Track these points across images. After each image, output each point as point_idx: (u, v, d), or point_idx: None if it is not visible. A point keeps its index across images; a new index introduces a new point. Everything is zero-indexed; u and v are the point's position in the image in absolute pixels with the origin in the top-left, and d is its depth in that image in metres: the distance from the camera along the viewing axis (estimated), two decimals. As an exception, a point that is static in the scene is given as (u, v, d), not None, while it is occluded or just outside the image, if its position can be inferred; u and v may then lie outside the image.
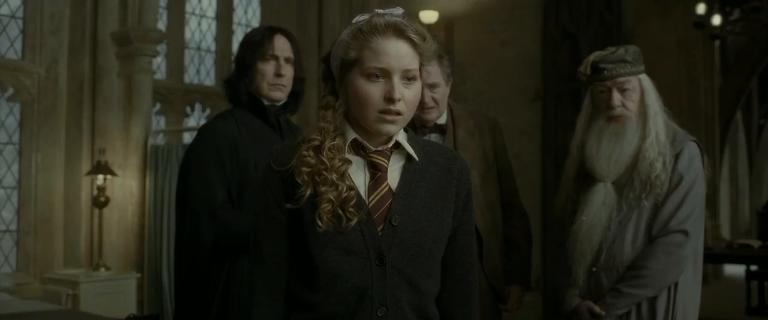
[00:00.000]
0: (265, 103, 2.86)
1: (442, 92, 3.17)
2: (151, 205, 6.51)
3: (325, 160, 1.65)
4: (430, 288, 1.75)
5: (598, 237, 2.81)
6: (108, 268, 6.26)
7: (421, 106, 2.99)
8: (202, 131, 2.89)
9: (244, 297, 1.78)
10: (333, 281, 1.67)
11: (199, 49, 8.37)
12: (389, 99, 1.64)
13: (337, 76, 1.73)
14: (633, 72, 2.82)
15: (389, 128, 1.67)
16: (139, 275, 6.42)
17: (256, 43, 2.84)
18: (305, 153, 1.67)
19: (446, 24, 8.16)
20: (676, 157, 2.78)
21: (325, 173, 1.64)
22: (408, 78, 1.66)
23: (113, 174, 6.30)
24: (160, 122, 7.75)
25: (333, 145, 1.67)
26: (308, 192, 1.65)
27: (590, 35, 6.98)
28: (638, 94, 2.83)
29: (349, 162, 1.69)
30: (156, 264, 6.41)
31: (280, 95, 2.87)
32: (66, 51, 6.68)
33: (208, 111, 8.16)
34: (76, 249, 6.52)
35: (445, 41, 8.00)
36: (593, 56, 2.85)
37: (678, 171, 2.77)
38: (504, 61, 7.94)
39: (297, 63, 2.91)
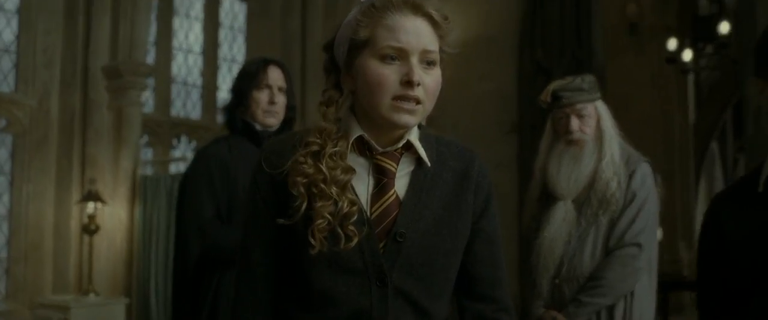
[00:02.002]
0: (259, 128, 3.04)
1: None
2: (140, 233, 6.70)
3: (325, 170, 1.43)
4: (439, 311, 1.54)
5: (559, 251, 3.01)
6: (97, 294, 6.42)
7: None
8: (197, 154, 3.11)
9: (230, 308, 1.61)
10: (327, 303, 1.47)
11: (185, 83, 8.60)
12: (407, 82, 1.42)
13: (344, 62, 1.50)
14: (589, 99, 3.03)
15: (406, 119, 1.44)
16: (127, 300, 6.59)
17: (252, 74, 3.04)
18: (302, 159, 1.45)
19: (426, 60, 8.40)
20: (630, 176, 2.98)
21: (323, 185, 1.42)
22: (427, 62, 1.46)
23: (103, 202, 6.49)
24: (147, 154, 7.95)
25: (334, 151, 1.45)
26: (303, 205, 1.43)
27: (563, 70, 7.25)
28: (595, 120, 3.04)
29: (353, 171, 1.46)
30: (144, 290, 6.59)
31: (274, 121, 3.05)
32: (58, 84, 6.88)
33: (194, 143, 8.36)
34: (65, 276, 6.67)
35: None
36: (553, 85, 3.07)
37: (632, 189, 2.97)
38: (482, 95, 8.21)
39: (289, 92, 3.11)
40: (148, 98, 7.92)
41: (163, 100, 8.23)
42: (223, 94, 8.69)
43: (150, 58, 7.80)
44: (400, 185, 1.50)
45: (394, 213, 1.47)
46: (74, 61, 6.85)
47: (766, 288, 1.71)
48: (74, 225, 6.68)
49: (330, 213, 1.42)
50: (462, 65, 8.37)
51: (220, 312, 2.85)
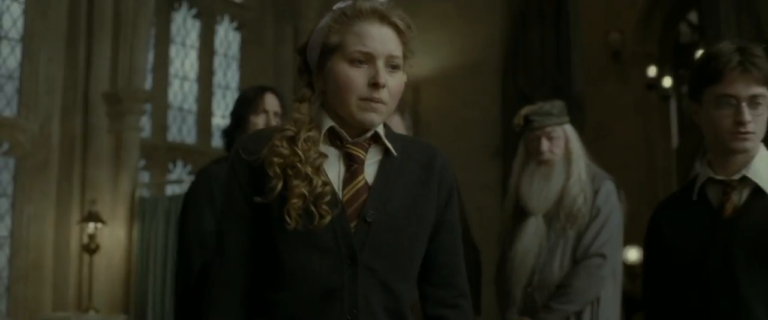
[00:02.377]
0: None
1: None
2: (138, 252, 6.98)
3: (300, 152, 1.53)
4: (406, 292, 1.62)
5: (531, 262, 3.26)
6: (97, 310, 6.67)
7: None
8: (198, 173, 3.36)
9: (207, 289, 1.65)
10: (299, 280, 1.54)
11: (181, 109, 8.88)
12: (374, 84, 1.55)
13: (316, 64, 1.62)
14: (558, 122, 3.30)
15: (372, 117, 1.57)
16: (126, 317, 6.87)
17: (250, 100, 3.27)
18: (278, 143, 1.55)
19: (414, 87, 8.63)
20: (596, 193, 3.25)
21: (298, 165, 1.52)
22: (392, 65, 1.58)
23: (103, 222, 6.76)
24: (144, 177, 8.22)
25: (308, 136, 1.56)
26: (279, 185, 1.53)
27: (544, 96, 7.50)
28: (563, 141, 3.30)
29: (325, 156, 1.57)
30: (142, 306, 6.85)
31: None
32: (59, 109, 7.18)
33: (189, 167, 8.65)
34: (64, 294, 6.92)
35: (412, 102, 8.51)
36: (524, 110, 3.34)
37: (597, 204, 3.24)
38: (467, 121, 8.47)
39: (284, 117, 3.34)
40: (145, 123, 8.19)
41: (160, 125, 8.52)
42: (218, 120, 8.97)
43: (147, 85, 8.09)
44: (369, 172, 1.61)
45: (364, 197, 1.58)
46: (75, 87, 7.16)
47: (700, 289, 1.97)
48: (74, 245, 6.94)
49: (305, 192, 1.51)
50: (447, 91, 8.65)
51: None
